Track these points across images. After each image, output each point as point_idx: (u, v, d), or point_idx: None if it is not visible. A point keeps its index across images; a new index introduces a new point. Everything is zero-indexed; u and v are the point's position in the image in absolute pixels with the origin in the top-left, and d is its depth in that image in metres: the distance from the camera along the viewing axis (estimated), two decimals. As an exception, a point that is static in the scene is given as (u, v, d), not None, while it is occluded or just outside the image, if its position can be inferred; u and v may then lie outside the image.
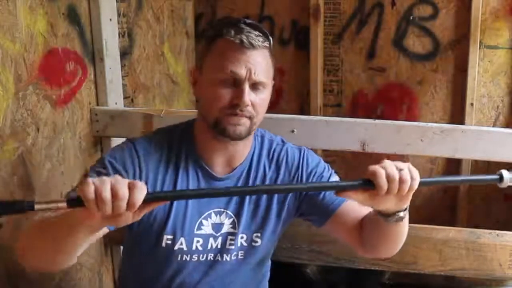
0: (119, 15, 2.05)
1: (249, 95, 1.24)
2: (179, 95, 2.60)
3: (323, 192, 1.37)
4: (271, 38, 1.30)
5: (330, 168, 1.44)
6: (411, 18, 2.56)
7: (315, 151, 2.66)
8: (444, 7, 2.52)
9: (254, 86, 1.25)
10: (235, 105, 1.23)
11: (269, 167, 1.39)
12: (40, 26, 1.69)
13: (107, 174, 1.17)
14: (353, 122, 1.80)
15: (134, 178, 1.26)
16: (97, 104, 1.99)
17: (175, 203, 1.30)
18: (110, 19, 1.97)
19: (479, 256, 1.73)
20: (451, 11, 2.51)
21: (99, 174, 1.18)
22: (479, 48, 2.46)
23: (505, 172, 1.12)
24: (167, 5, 2.46)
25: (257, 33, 1.24)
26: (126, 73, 2.15)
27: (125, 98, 2.12)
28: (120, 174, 1.10)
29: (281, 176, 1.39)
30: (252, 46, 1.23)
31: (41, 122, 1.72)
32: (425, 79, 2.61)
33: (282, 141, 1.45)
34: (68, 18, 1.82)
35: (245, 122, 1.26)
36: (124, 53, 2.12)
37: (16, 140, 1.62)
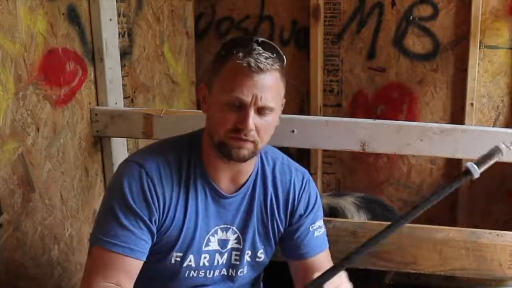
0: (119, 15, 2.05)
1: (253, 120, 1.22)
2: (179, 95, 2.60)
3: (301, 237, 1.42)
4: (284, 58, 1.27)
5: (320, 210, 1.47)
6: (411, 18, 2.56)
7: (315, 151, 2.70)
8: (444, 7, 2.52)
9: (260, 110, 1.23)
10: (239, 130, 1.22)
11: (271, 187, 1.40)
12: (40, 26, 1.69)
13: (137, 217, 1.24)
14: (353, 122, 1.79)
15: (155, 207, 1.27)
16: (97, 104, 1.99)
17: (186, 221, 1.31)
18: (110, 19, 1.96)
19: (479, 256, 1.73)
20: (451, 11, 2.51)
21: (126, 216, 1.24)
22: (479, 48, 2.46)
23: (471, 166, 1.16)
24: (167, 5, 2.46)
25: (267, 54, 1.21)
26: (126, 73, 2.15)
27: (125, 98, 2.12)
28: (147, 213, 1.25)
29: (280, 198, 1.41)
30: (260, 70, 1.20)
31: (41, 122, 1.72)
32: (425, 79, 2.61)
33: (287, 161, 1.45)
34: (68, 18, 1.82)
35: (249, 146, 1.25)
36: (124, 53, 2.12)
37: (16, 140, 1.62)
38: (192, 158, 1.33)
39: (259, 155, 1.39)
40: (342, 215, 2.05)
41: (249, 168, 1.36)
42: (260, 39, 1.25)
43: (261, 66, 1.20)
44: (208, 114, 1.30)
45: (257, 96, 1.21)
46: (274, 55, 1.23)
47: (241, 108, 1.22)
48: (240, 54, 1.21)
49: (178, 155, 1.32)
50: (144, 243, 1.27)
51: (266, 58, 1.21)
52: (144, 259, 1.27)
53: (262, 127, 1.24)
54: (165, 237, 1.30)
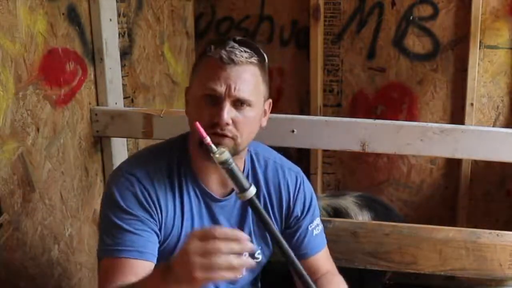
0: (119, 15, 2.05)
1: (229, 113, 1.19)
2: (179, 95, 2.60)
3: (301, 238, 1.41)
4: (265, 57, 1.26)
5: (316, 208, 1.46)
6: (411, 18, 2.56)
7: (315, 151, 2.70)
8: (444, 7, 2.52)
9: (237, 103, 1.21)
10: (215, 124, 1.19)
11: (264, 187, 1.38)
12: (40, 26, 1.69)
13: (137, 219, 1.21)
14: (353, 122, 1.79)
15: (152, 212, 1.25)
16: (97, 104, 1.99)
17: (184, 227, 1.29)
18: (110, 19, 1.96)
19: (479, 256, 1.73)
20: (451, 11, 2.51)
21: (126, 221, 1.21)
22: (479, 48, 2.46)
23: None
24: (167, 5, 2.46)
25: (243, 49, 1.20)
26: (126, 73, 2.15)
27: (125, 98, 2.12)
28: (146, 217, 1.21)
29: (273, 198, 1.39)
30: (233, 62, 1.19)
31: (41, 122, 1.72)
32: (425, 79, 2.61)
33: (280, 160, 1.43)
34: (68, 18, 1.82)
35: (228, 142, 1.21)
36: (124, 53, 2.12)
37: (16, 140, 1.62)
38: (182, 162, 1.30)
39: (248, 155, 1.38)
40: (346, 216, 2.05)
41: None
42: (239, 38, 1.24)
43: (234, 58, 1.19)
44: (188, 114, 1.29)
45: (230, 87, 1.19)
46: (252, 51, 1.22)
47: (217, 102, 1.20)
48: (213, 49, 1.21)
49: (168, 161, 1.30)
50: (150, 244, 1.24)
51: (241, 51, 1.20)
52: (155, 261, 1.24)
53: (240, 122, 1.21)
54: (165, 245, 1.29)
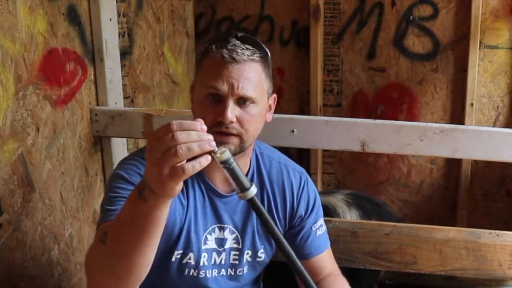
0: (119, 15, 2.05)
1: (233, 111, 1.20)
2: (179, 95, 2.60)
3: (304, 238, 1.41)
4: (268, 52, 1.26)
5: (320, 209, 1.46)
6: (411, 18, 2.56)
7: (315, 151, 2.70)
8: (444, 7, 2.52)
9: (240, 101, 1.22)
10: (220, 123, 1.20)
11: (268, 187, 1.39)
12: (40, 26, 1.69)
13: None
14: (353, 122, 1.80)
15: None
16: (97, 104, 1.99)
17: (187, 219, 1.30)
18: (110, 19, 1.97)
19: (479, 256, 1.73)
20: (451, 11, 2.51)
21: (128, 192, 1.17)
22: (479, 48, 2.46)
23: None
24: (167, 5, 2.46)
25: (244, 46, 1.21)
26: (126, 73, 2.15)
27: (125, 98, 2.12)
28: None
29: (277, 198, 1.40)
30: (234, 61, 1.19)
31: (41, 122, 1.72)
32: (425, 79, 2.61)
33: (284, 160, 1.44)
34: (68, 18, 1.82)
35: (234, 140, 1.22)
36: (124, 53, 2.12)
37: (16, 140, 1.62)
38: None
39: (254, 154, 1.38)
40: (334, 213, 2.05)
41: (243, 166, 1.34)
42: (240, 34, 1.24)
43: (235, 57, 1.19)
44: (193, 112, 1.30)
45: (233, 85, 1.19)
46: (254, 47, 1.22)
47: (220, 101, 1.21)
48: (215, 48, 1.21)
49: None
50: None
51: (243, 49, 1.20)
52: None
53: (245, 119, 1.22)
54: (167, 237, 1.29)
